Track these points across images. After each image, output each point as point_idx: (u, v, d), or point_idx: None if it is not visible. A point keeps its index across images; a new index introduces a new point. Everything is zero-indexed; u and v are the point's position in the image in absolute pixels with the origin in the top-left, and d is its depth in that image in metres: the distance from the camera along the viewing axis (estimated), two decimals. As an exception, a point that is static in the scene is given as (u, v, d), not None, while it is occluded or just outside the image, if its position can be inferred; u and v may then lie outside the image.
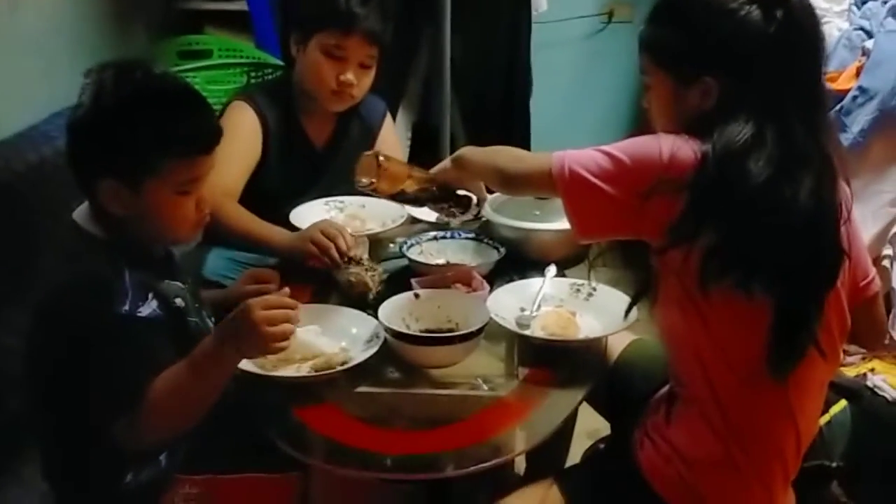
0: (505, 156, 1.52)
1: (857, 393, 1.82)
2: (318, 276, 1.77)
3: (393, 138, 2.32)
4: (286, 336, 1.32)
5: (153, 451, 1.39)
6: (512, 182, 1.50)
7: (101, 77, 1.37)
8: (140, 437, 1.30)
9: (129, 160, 1.34)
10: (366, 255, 1.74)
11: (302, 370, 1.46)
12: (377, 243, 1.89)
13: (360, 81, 2.01)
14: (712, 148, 1.25)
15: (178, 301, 1.44)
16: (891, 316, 2.03)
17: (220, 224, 1.82)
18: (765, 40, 1.28)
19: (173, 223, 1.40)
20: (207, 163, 1.40)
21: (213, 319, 1.55)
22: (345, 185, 2.10)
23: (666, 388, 1.45)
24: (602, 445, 1.69)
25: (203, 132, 1.40)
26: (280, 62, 2.50)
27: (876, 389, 1.87)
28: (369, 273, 1.69)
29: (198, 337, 1.41)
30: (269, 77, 2.82)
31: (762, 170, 1.23)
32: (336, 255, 1.72)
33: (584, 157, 1.32)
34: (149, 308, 1.35)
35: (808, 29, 1.31)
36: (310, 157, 2.12)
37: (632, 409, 1.52)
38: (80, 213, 1.41)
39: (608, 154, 1.31)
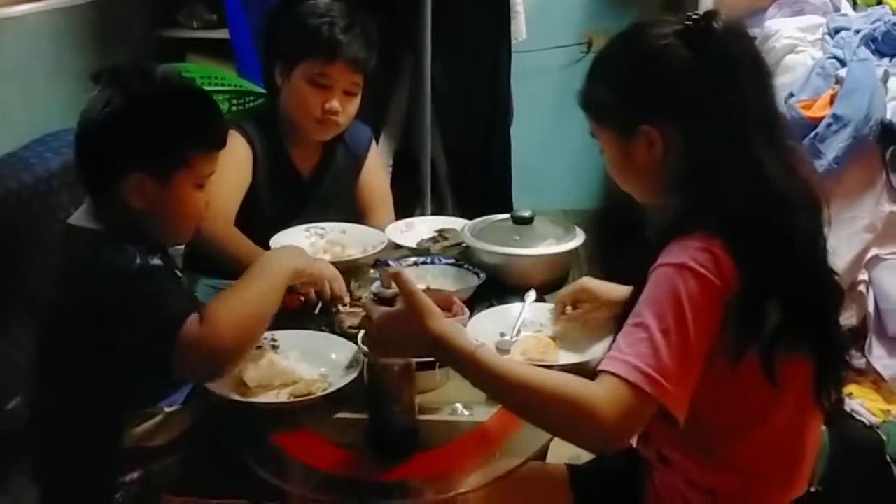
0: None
1: (836, 418, 1.83)
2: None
3: (378, 165, 2.34)
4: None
5: (225, 369, 1.41)
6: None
7: (126, 75, 1.44)
8: (210, 353, 1.32)
9: (162, 152, 1.41)
10: (366, 294, 1.76)
11: (281, 396, 1.46)
12: (357, 269, 1.89)
13: (345, 109, 2.03)
14: (741, 234, 1.19)
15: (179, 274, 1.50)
16: (867, 342, 2.05)
17: (219, 247, 1.85)
18: (691, 76, 1.24)
19: (186, 216, 1.49)
20: (218, 159, 1.50)
21: None
22: (330, 213, 2.12)
23: None
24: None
25: (222, 128, 1.51)
26: (261, 90, 2.51)
27: (853, 414, 1.88)
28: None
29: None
30: (251, 105, 2.84)
31: (803, 223, 1.23)
32: (328, 292, 1.72)
33: (661, 363, 1.13)
34: (157, 262, 1.40)
35: (740, 56, 1.26)
36: (296, 184, 2.13)
37: None
38: (77, 216, 1.46)
39: (666, 334, 1.14)
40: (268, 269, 1.47)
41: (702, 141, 1.24)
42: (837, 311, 1.33)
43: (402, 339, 1.25)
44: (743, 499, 1.32)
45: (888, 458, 1.76)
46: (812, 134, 2.20)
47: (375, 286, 1.35)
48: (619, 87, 1.33)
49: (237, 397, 1.43)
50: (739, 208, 1.21)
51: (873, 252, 2.15)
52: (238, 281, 1.43)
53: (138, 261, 1.36)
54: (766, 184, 1.22)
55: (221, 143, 1.49)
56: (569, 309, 1.70)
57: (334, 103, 2.00)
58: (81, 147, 1.45)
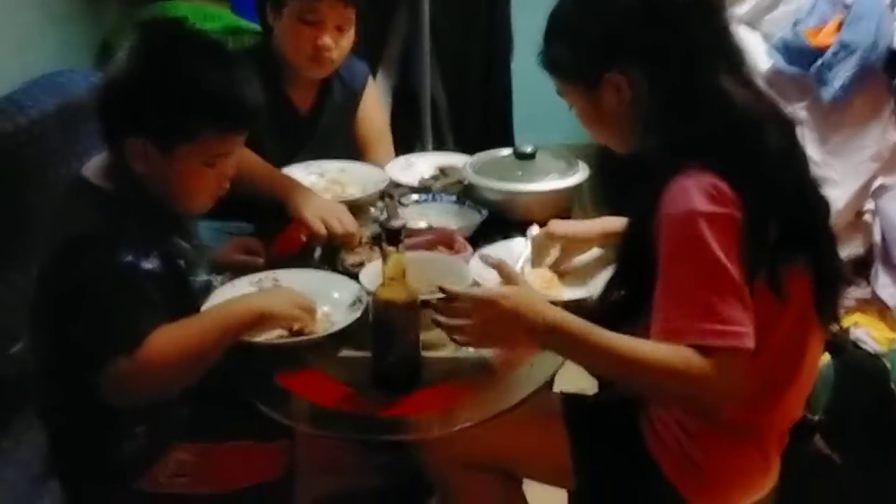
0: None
1: (841, 347, 1.84)
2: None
3: (376, 101, 2.31)
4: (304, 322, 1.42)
5: (138, 407, 1.37)
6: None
7: (155, 35, 1.38)
8: (130, 386, 1.29)
9: (167, 122, 1.34)
10: (367, 233, 1.76)
11: (284, 336, 1.45)
12: (358, 208, 1.87)
13: (338, 45, 1.99)
14: (730, 154, 1.22)
15: (181, 262, 1.44)
16: (872, 270, 2.04)
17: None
18: (642, 17, 1.28)
19: (192, 192, 1.42)
20: (240, 140, 1.43)
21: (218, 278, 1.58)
22: (329, 151, 2.10)
23: None
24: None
25: (246, 110, 1.40)
26: (257, 28, 2.47)
27: (859, 343, 1.89)
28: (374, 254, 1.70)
29: (198, 296, 1.45)
30: (248, 44, 2.79)
31: (774, 142, 1.25)
32: (340, 241, 1.72)
33: (712, 313, 1.17)
34: (151, 263, 1.35)
35: None
36: (295, 123, 2.10)
37: None
38: (91, 168, 1.42)
39: (714, 284, 1.17)
40: (227, 309, 1.39)
41: (665, 79, 1.27)
42: (827, 221, 1.36)
43: (512, 330, 1.25)
44: (738, 424, 1.33)
45: (893, 385, 1.77)
46: (818, 62, 2.16)
47: (382, 219, 1.35)
48: (577, 41, 1.35)
49: (241, 338, 1.43)
50: (716, 137, 1.23)
51: (880, 181, 2.13)
52: (194, 316, 1.37)
53: (127, 258, 1.31)
54: (735, 109, 1.25)
55: (242, 127, 1.41)
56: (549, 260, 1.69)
57: (326, 40, 1.96)
58: (99, 97, 1.39)
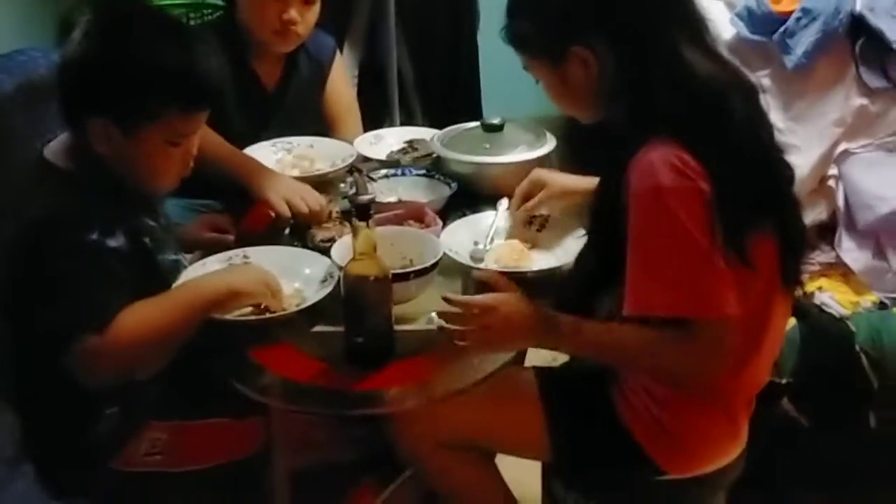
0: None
1: (806, 311, 1.86)
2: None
3: (343, 75, 2.29)
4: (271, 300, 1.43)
5: (108, 387, 1.37)
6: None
7: (113, 15, 1.35)
8: (101, 365, 1.29)
9: (129, 103, 1.32)
10: (337, 209, 1.76)
11: (254, 312, 1.44)
12: (327, 183, 1.87)
13: (304, 18, 1.97)
14: (697, 134, 1.22)
15: (147, 241, 1.43)
16: (836, 235, 2.07)
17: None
18: None
19: (156, 172, 1.41)
20: (203, 118, 1.41)
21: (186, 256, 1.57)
22: (297, 126, 2.08)
23: None
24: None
25: (207, 87, 1.39)
26: (220, 3, 2.44)
27: (823, 307, 1.91)
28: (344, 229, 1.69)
29: (167, 275, 1.44)
30: (210, 18, 2.75)
31: (741, 111, 1.26)
32: (304, 219, 1.72)
33: (701, 286, 1.20)
34: (117, 242, 1.34)
35: None
36: (261, 98, 2.09)
37: None
38: (52, 149, 1.39)
39: (689, 258, 1.20)
40: (197, 286, 1.40)
41: (630, 50, 1.27)
42: (792, 188, 1.38)
43: (511, 333, 1.31)
44: (706, 390, 1.35)
45: (857, 348, 1.80)
46: (781, 29, 2.17)
47: (351, 194, 1.35)
48: (542, 16, 1.35)
49: (212, 315, 1.43)
50: (680, 108, 1.24)
51: (843, 146, 2.15)
52: (164, 294, 1.38)
53: (92, 237, 1.31)
54: (698, 79, 1.26)
55: (202, 104, 1.39)
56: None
57: (292, 13, 1.94)
58: (58, 77, 1.37)
